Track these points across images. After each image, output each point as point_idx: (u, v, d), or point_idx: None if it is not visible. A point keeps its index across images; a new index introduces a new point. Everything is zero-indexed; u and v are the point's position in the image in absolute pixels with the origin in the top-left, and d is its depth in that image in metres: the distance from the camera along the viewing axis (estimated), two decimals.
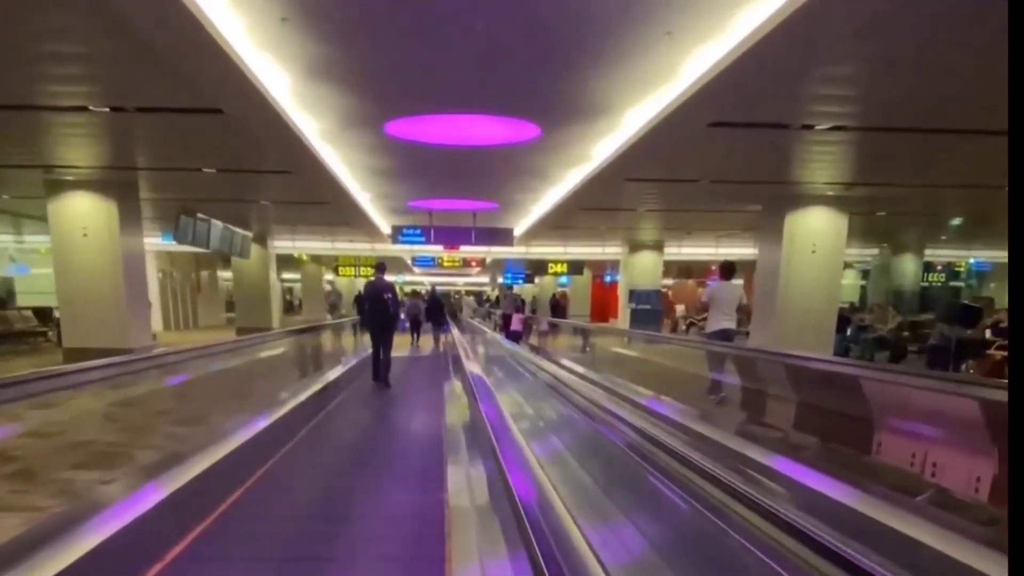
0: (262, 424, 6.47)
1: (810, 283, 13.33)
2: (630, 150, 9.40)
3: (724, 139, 8.81)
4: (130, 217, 12.98)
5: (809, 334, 13.20)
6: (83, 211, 12.52)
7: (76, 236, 12.55)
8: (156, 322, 26.25)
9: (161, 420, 7.75)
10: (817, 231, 13.30)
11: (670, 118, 7.77)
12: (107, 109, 7.68)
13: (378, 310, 10.91)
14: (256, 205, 15.69)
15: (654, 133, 8.36)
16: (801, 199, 13.15)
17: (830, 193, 12.85)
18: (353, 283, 34.81)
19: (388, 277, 11.17)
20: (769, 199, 13.48)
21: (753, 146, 9.56)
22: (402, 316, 16.83)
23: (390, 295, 11.03)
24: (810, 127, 8.14)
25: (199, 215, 16.51)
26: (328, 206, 15.39)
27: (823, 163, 10.76)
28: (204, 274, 32.31)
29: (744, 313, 9.11)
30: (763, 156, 10.33)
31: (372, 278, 11.48)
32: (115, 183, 12.47)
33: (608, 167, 10.63)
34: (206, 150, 10.49)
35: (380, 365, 10.96)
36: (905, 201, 14.36)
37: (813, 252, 13.31)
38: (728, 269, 9.28)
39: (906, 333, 16.71)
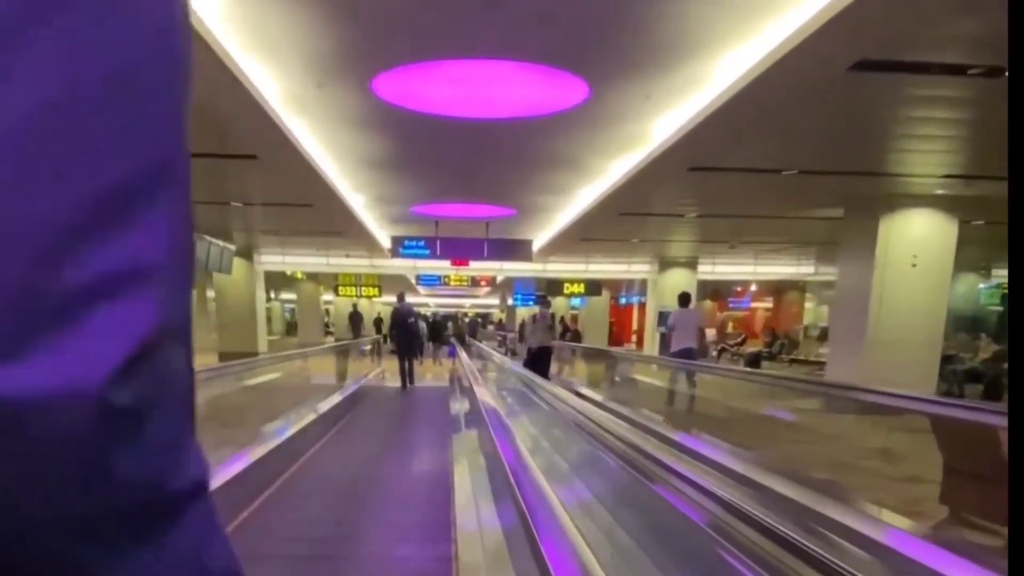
0: None
1: (909, 305, 10.65)
2: (715, 118, 6.82)
3: (859, 94, 6.22)
4: None
5: (907, 369, 10.49)
6: None
7: None
8: None
9: None
10: (919, 240, 10.66)
11: (795, 56, 5.19)
12: None
13: (404, 330, 13.98)
14: (227, 208, 13.15)
15: (761, 87, 5.77)
16: (900, 199, 10.53)
17: (940, 191, 10.23)
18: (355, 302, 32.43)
19: (388, 297, 12.71)
20: (857, 199, 10.84)
21: (883, 108, 6.97)
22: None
23: (413, 318, 14.57)
24: (997, 71, 5.50)
25: None
26: (314, 210, 12.83)
27: (958, 141, 8.18)
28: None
29: (702, 335, 10.70)
30: (884, 127, 7.73)
31: (397, 304, 14.75)
32: None
33: (672, 149, 8.04)
34: None
35: (406, 373, 14.06)
36: None
37: (913, 266, 10.66)
38: (685, 299, 11.22)
39: (1006, 365, 13.98)
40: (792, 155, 8.64)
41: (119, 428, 0.33)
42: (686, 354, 10.13)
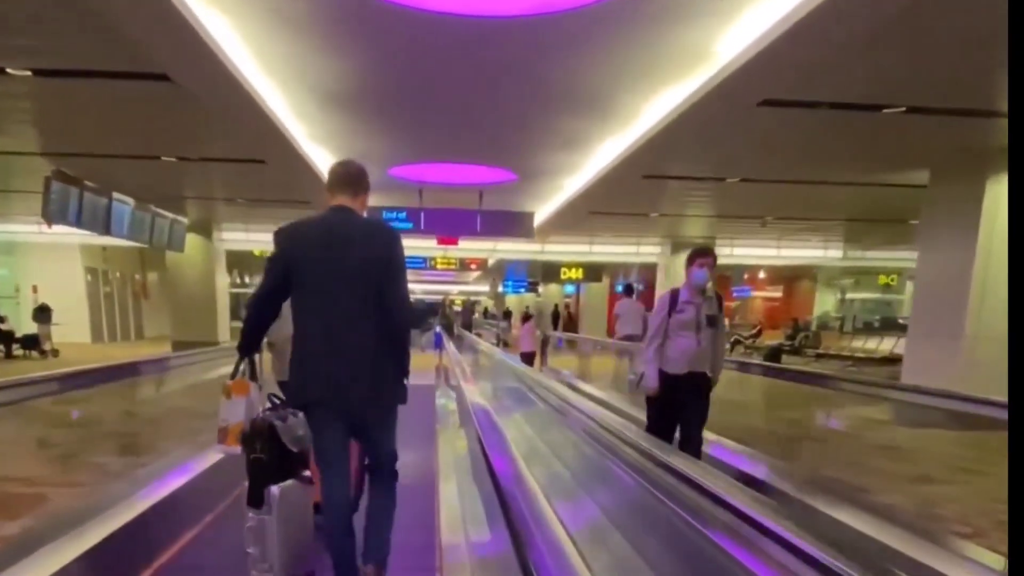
0: None
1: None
2: (820, 18, 4.49)
3: None
4: None
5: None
6: None
7: None
8: (83, 333, 21.42)
9: None
10: None
11: None
12: None
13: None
14: (159, 165, 10.67)
15: None
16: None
17: None
18: None
19: None
20: (955, 156, 8.56)
21: None
22: None
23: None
24: None
25: (87, 183, 11.51)
26: (269, 169, 10.41)
27: None
28: (153, 275, 27.14)
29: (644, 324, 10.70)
30: None
31: None
32: None
33: (746, 69, 5.69)
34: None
35: None
36: None
37: None
38: (629, 289, 13.92)
39: None
40: (904, 83, 6.29)
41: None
42: (629, 339, 11.03)
